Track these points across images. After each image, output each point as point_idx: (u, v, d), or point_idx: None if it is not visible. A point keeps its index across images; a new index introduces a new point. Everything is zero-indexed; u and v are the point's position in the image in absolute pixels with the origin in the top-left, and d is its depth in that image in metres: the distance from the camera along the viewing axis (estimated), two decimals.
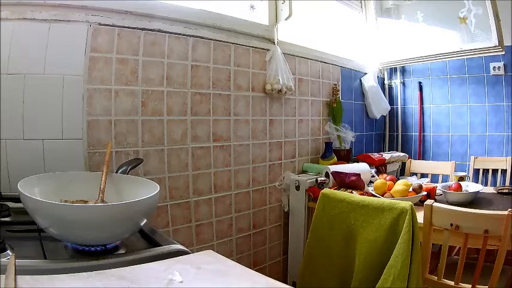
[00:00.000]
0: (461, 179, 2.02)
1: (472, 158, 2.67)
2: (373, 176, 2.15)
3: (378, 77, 3.07)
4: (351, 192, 1.81)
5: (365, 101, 2.92)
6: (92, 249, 0.78)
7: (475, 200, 1.78)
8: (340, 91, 2.58)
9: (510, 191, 1.94)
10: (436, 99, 2.94)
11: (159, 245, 0.83)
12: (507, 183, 2.47)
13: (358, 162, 2.36)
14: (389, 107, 3.09)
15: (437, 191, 1.88)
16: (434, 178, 2.66)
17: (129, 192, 0.96)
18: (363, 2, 2.94)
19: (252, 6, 2.04)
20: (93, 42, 1.37)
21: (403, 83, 3.14)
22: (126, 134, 1.49)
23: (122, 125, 1.48)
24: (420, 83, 3.00)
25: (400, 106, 3.16)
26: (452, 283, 1.39)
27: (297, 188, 2.06)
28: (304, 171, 2.29)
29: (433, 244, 1.45)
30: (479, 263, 1.31)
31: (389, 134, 3.23)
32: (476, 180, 2.59)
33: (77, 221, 0.73)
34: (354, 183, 1.87)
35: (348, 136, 2.46)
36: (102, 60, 1.41)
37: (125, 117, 1.48)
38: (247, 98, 1.95)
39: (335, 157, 2.34)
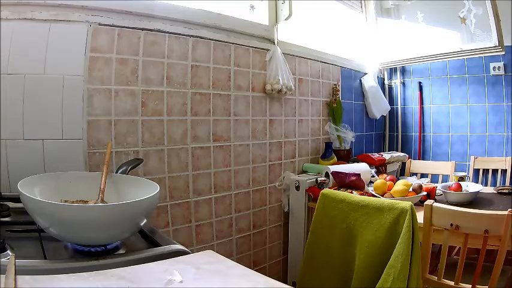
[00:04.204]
0: (461, 179, 2.02)
1: (472, 158, 2.67)
2: (373, 176, 2.15)
3: (378, 77, 3.07)
4: (351, 192, 1.81)
5: (365, 101, 2.92)
6: (92, 249, 0.78)
7: (475, 200, 1.78)
8: (340, 91, 2.58)
9: (510, 191, 1.94)
10: (436, 99, 2.94)
11: (159, 245, 0.82)
12: (507, 183, 2.47)
13: (358, 162, 2.36)
14: (389, 107, 3.09)
15: (437, 191, 1.88)
16: (434, 178, 2.66)
17: (129, 192, 0.96)
18: (363, 2, 2.94)
19: (252, 6, 2.04)
20: (93, 42, 1.37)
21: (403, 83, 3.14)
22: (126, 134, 1.49)
23: (122, 125, 1.48)
24: (420, 83, 3.00)
25: (400, 106, 3.16)
26: (452, 283, 1.39)
27: (297, 188, 2.06)
28: (304, 171, 2.29)
29: (433, 244, 1.45)
30: (479, 263, 1.31)
31: (389, 134, 3.23)
32: (476, 180, 2.59)
33: (77, 221, 0.73)
34: (354, 183, 1.87)
35: (348, 136, 2.46)
36: (102, 60, 1.41)
37: (125, 117, 1.48)
38: (247, 98, 1.95)
39: (335, 157, 2.34)
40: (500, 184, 2.53)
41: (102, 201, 0.89)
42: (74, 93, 1.34)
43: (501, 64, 2.52)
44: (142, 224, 0.83)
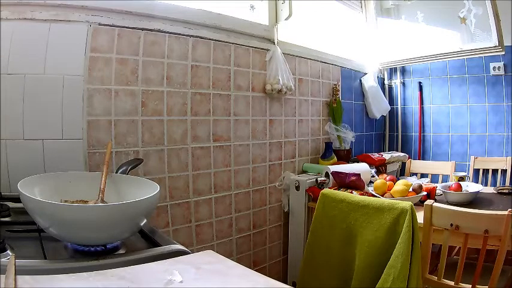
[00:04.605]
0: (461, 179, 2.02)
1: (472, 158, 2.67)
2: (373, 176, 2.15)
3: (378, 77, 3.07)
4: (351, 192, 1.81)
5: (365, 101, 2.92)
6: (92, 249, 0.78)
7: (475, 200, 1.78)
8: (340, 91, 2.58)
9: (510, 191, 1.94)
10: (436, 99, 2.94)
11: (159, 245, 0.82)
12: (507, 183, 2.47)
13: (358, 162, 2.36)
14: (389, 107, 3.09)
15: (437, 191, 1.88)
16: (434, 178, 2.66)
17: (129, 192, 0.96)
18: (363, 2, 2.94)
19: (252, 6, 2.04)
20: (93, 42, 1.37)
21: (403, 83, 3.14)
22: (126, 134, 1.49)
23: (122, 125, 1.48)
24: (420, 83, 3.00)
25: (400, 106, 3.16)
26: (452, 283, 1.39)
27: (297, 188, 2.06)
28: (304, 171, 2.29)
29: (433, 244, 1.45)
30: (479, 263, 1.31)
31: (389, 134, 3.23)
32: (476, 180, 2.59)
33: (77, 221, 0.73)
34: (354, 183, 1.87)
35: (348, 136, 2.46)
36: (102, 60, 1.41)
37: (125, 117, 1.48)
38: (247, 98, 1.95)
39: (335, 157, 2.34)
40: (500, 184, 2.53)
41: (102, 201, 0.89)
42: (74, 93, 1.34)
43: (501, 64, 2.52)
44: (142, 224, 0.84)
